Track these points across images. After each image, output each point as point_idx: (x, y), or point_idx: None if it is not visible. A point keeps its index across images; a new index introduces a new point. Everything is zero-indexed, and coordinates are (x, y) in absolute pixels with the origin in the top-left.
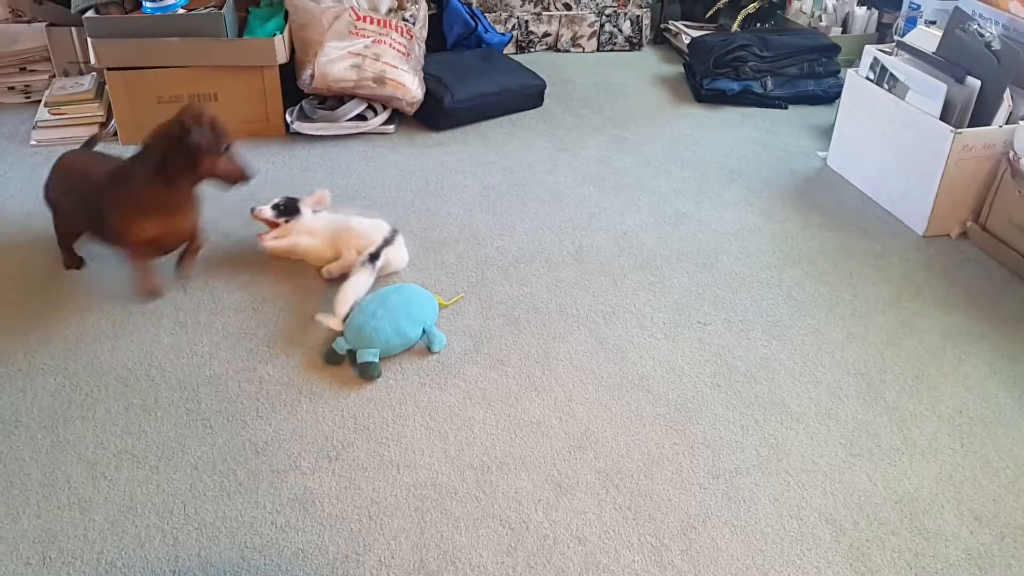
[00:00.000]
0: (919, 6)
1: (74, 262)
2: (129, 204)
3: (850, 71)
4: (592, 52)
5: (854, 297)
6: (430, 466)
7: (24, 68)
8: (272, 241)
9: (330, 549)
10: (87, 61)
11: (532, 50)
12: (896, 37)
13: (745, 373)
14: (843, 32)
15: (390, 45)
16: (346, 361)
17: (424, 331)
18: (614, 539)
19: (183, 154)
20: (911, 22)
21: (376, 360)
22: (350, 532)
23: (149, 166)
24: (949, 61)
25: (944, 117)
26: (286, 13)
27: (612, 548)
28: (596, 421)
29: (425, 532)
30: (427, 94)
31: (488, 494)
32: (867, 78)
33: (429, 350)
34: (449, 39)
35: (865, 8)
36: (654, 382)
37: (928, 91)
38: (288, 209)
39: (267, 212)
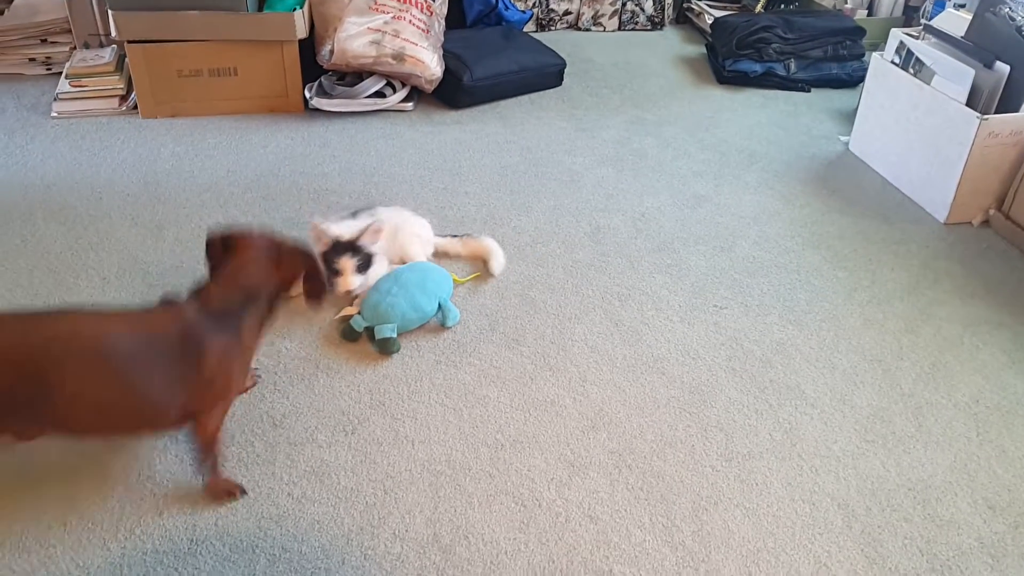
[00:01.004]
0: None
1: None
2: (217, 370)
3: (875, 55)
4: (613, 31)
5: (872, 283)
6: (444, 442)
7: (45, 40)
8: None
9: (345, 521)
10: (108, 33)
11: (553, 28)
12: (923, 20)
13: (760, 357)
14: (869, 15)
15: (410, 21)
16: (363, 338)
17: (439, 305)
18: (626, 518)
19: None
20: (939, 5)
21: (394, 335)
22: (365, 505)
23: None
24: (978, 46)
25: (970, 103)
26: None
27: (623, 527)
28: (610, 402)
29: (439, 507)
30: (446, 72)
31: (502, 471)
32: (892, 62)
33: (443, 325)
34: (469, 16)
35: None
36: (669, 364)
37: (955, 76)
38: (365, 263)
39: (353, 282)
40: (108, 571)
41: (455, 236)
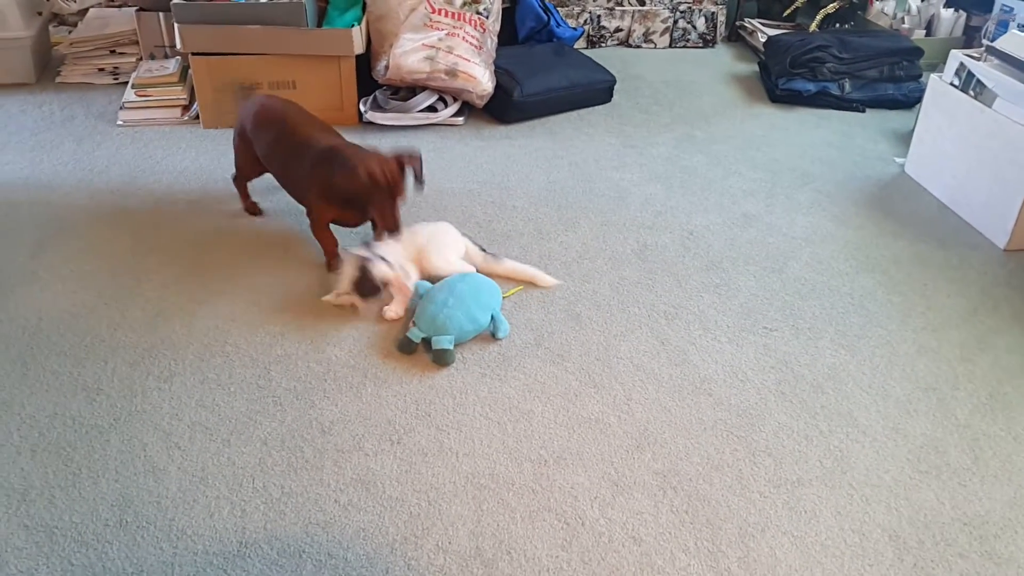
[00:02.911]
0: (1012, 9)
1: (253, 208)
2: (319, 189)
3: (933, 76)
4: (664, 48)
5: (928, 309)
6: (489, 456)
7: (114, 51)
8: (393, 311)
9: (390, 530)
10: (173, 45)
11: (603, 45)
12: (985, 41)
13: (811, 382)
14: (927, 35)
15: (463, 38)
16: (413, 348)
17: (492, 317)
18: (670, 541)
19: (357, 196)
20: (1003, 25)
21: (451, 347)
22: (409, 515)
23: (335, 178)
24: None
25: None
26: (364, 4)
27: (668, 550)
28: (655, 422)
29: (482, 520)
30: (497, 87)
31: (545, 487)
32: (952, 84)
33: (494, 336)
34: (521, 33)
35: (952, 10)
36: (716, 386)
37: (1018, 99)
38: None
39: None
40: (160, 570)
41: (490, 254)
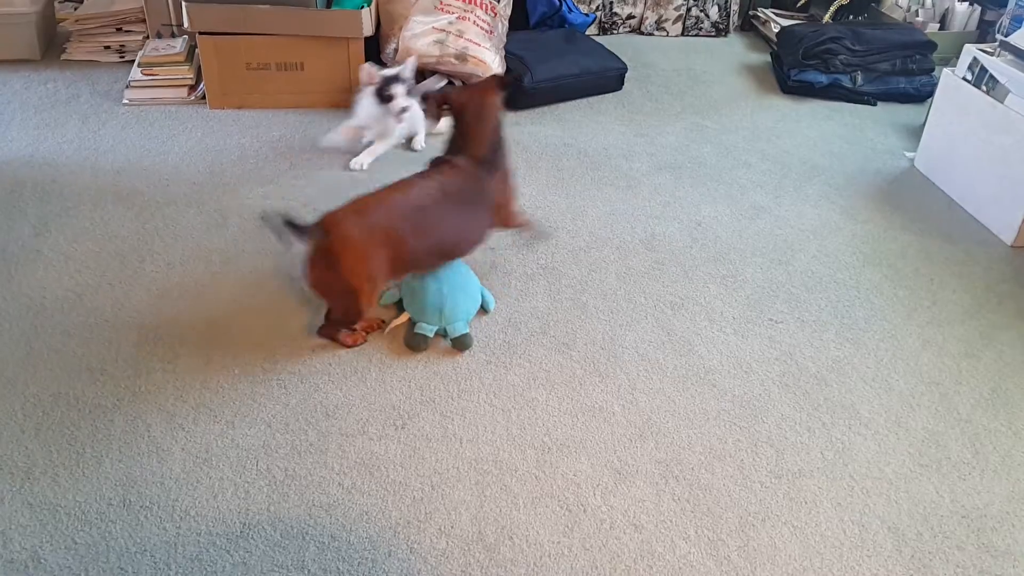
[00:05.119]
0: None
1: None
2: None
3: (946, 70)
4: (676, 36)
5: (933, 304)
6: (492, 442)
7: (120, 28)
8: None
9: (393, 514)
10: (180, 24)
11: (615, 32)
12: (999, 36)
13: (815, 374)
14: (940, 28)
15: (474, 22)
16: (427, 343)
17: (481, 294)
18: (671, 529)
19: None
20: (1017, 20)
21: (468, 330)
22: (412, 499)
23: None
24: None
25: None
26: None
27: (668, 538)
28: (659, 411)
29: (484, 505)
30: (507, 72)
31: (548, 474)
32: (964, 78)
33: (485, 311)
34: (532, 18)
35: (967, 4)
36: (720, 377)
37: None
38: (408, 90)
39: (403, 102)
40: (163, 550)
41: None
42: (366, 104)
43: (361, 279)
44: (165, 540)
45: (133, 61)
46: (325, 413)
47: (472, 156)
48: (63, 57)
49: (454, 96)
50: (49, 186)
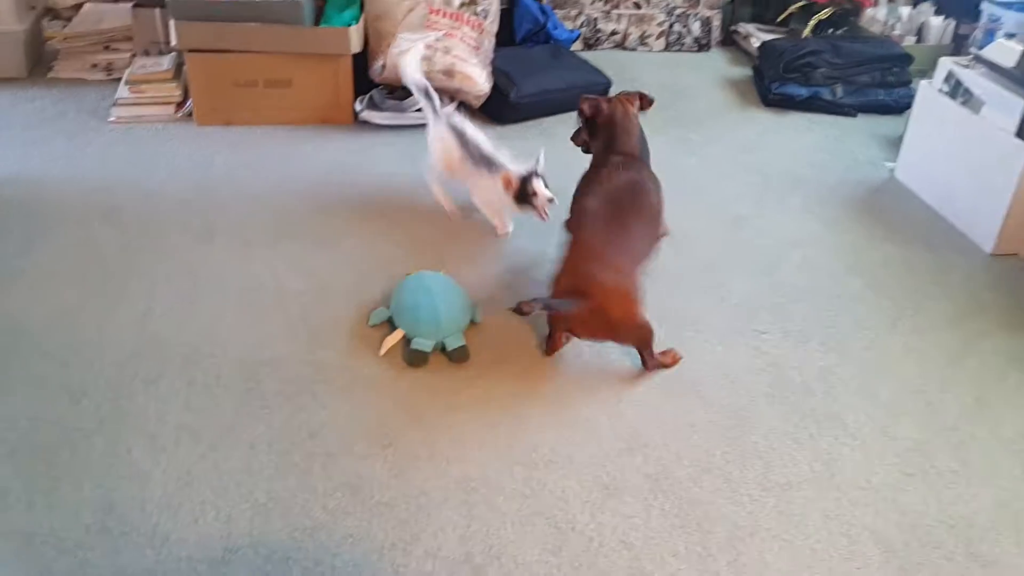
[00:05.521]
0: (999, 18)
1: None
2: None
3: (923, 82)
4: (660, 52)
5: (916, 313)
6: (479, 460)
7: (108, 46)
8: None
9: (378, 536)
10: (168, 41)
11: (599, 48)
12: (973, 50)
13: (801, 384)
14: (917, 42)
15: (461, 39)
16: (426, 359)
17: (469, 304)
18: (660, 546)
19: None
20: (990, 35)
21: (464, 342)
22: (398, 520)
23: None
24: None
25: (1020, 134)
26: (362, 3)
27: (658, 555)
28: (646, 424)
29: (472, 526)
30: (493, 87)
31: (536, 492)
32: (940, 90)
33: (473, 322)
34: (518, 34)
35: (942, 18)
36: (707, 388)
37: (1004, 107)
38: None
39: (547, 192)
40: None
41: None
42: (502, 197)
43: (632, 313)
44: (145, 567)
45: (120, 79)
46: (309, 433)
47: (629, 156)
48: (50, 75)
49: (603, 104)
50: (34, 204)
